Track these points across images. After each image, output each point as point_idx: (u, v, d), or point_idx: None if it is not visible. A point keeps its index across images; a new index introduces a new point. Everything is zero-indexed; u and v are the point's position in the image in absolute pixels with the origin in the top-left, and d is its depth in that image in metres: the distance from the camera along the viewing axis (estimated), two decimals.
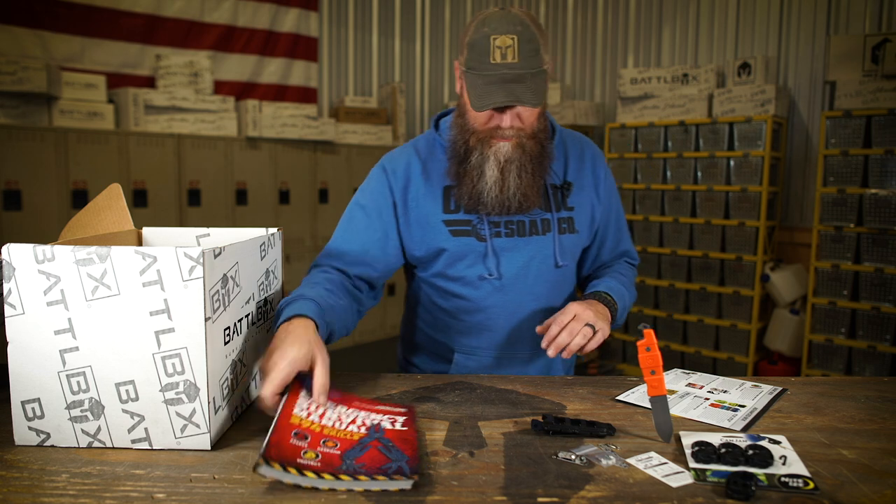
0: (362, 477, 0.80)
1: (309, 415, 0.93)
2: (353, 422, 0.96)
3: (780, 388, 1.20)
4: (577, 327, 1.16)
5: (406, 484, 0.80)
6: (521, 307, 1.35)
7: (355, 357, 4.64)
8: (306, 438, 0.87)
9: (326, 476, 0.79)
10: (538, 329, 1.21)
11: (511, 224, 1.32)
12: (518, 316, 1.36)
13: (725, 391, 1.18)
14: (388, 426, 0.96)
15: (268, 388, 0.93)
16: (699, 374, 1.28)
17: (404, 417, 1.00)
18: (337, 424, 0.94)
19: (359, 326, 4.88)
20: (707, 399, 1.14)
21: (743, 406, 1.10)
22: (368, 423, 0.96)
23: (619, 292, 1.33)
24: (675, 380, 1.26)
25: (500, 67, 1.17)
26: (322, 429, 0.91)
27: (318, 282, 1.22)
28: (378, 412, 1.01)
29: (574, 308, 1.19)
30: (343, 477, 0.79)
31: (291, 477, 0.78)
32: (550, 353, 1.16)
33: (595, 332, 1.18)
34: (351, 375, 1.28)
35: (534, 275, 1.34)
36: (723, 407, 1.10)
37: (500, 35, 1.17)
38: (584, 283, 1.49)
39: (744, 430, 1.00)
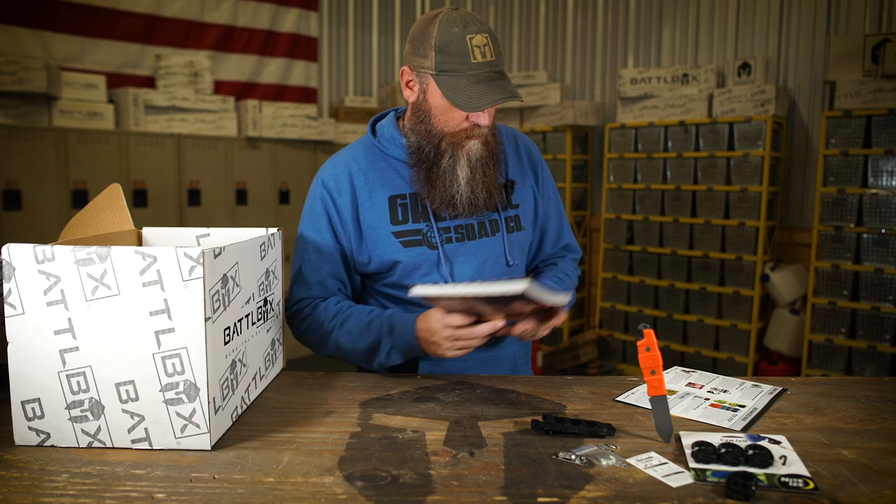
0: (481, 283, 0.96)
1: None
2: None
3: (780, 388, 1.20)
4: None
5: (520, 286, 0.93)
6: None
7: None
8: None
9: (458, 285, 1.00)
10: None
11: (461, 228, 1.31)
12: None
13: (725, 391, 1.18)
14: None
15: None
16: (699, 372, 1.28)
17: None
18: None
19: None
20: (707, 399, 1.14)
21: (743, 406, 1.10)
22: None
23: (554, 282, 1.38)
24: (675, 379, 1.26)
25: (483, 66, 1.17)
26: None
27: (348, 311, 1.29)
28: None
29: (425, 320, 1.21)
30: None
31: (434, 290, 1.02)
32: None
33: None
34: (351, 375, 1.28)
35: (488, 276, 1.33)
36: (723, 407, 1.10)
37: (476, 34, 1.17)
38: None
39: (744, 430, 1.00)
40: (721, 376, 1.27)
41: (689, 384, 1.22)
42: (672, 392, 1.18)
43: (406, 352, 1.22)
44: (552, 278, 1.40)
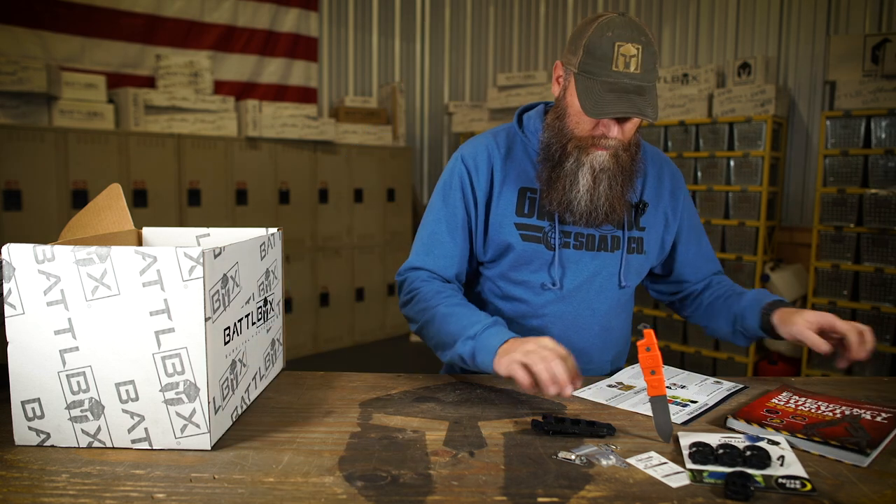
0: (816, 438, 0.90)
1: (787, 402, 1.08)
2: (833, 410, 1.04)
3: (740, 386, 1.22)
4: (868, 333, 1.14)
5: (858, 459, 0.86)
6: (578, 319, 1.33)
7: (355, 357, 4.64)
8: (777, 413, 1.03)
9: (784, 432, 0.94)
10: (814, 343, 1.16)
11: (581, 237, 1.30)
12: (575, 328, 1.33)
13: (684, 387, 1.20)
14: (868, 417, 1.01)
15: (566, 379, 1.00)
16: (667, 368, 1.27)
17: (890, 415, 1.02)
18: (813, 409, 1.04)
19: (359, 326, 4.90)
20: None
21: (695, 402, 1.12)
22: (848, 412, 1.03)
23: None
24: (637, 374, 1.28)
25: (622, 76, 1.13)
26: (796, 410, 1.04)
27: (454, 299, 1.25)
28: (863, 408, 1.05)
29: (528, 340, 1.11)
30: (799, 435, 0.92)
31: (752, 429, 0.97)
32: (857, 357, 1.14)
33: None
34: (351, 375, 1.28)
35: (596, 290, 1.32)
36: (675, 402, 1.12)
37: (626, 43, 1.13)
38: (692, 305, 1.45)
39: (685, 423, 1.03)
40: (687, 372, 1.29)
41: None
42: (630, 387, 1.20)
43: (478, 348, 1.12)
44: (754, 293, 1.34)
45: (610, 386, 1.21)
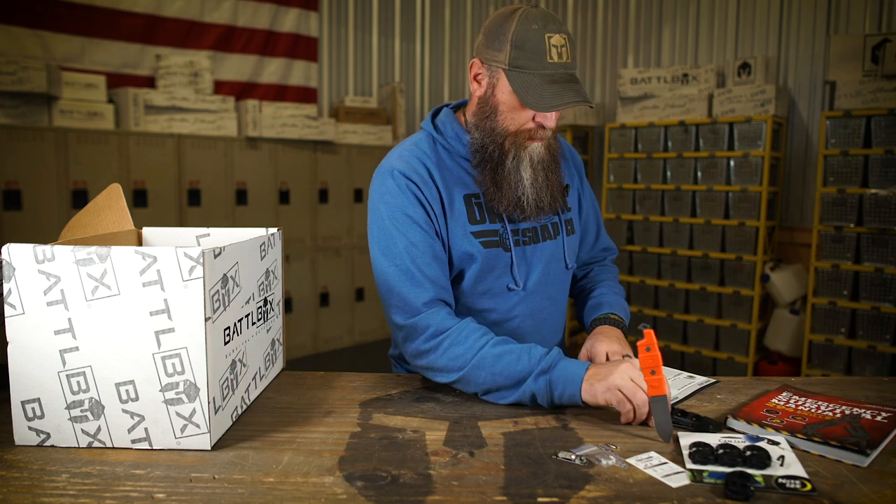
0: (816, 438, 0.91)
1: (787, 402, 1.08)
2: (833, 410, 1.04)
3: (712, 380, 1.24)
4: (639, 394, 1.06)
5: (858, 459, 0.86)
6: (542, 311, 1.34)
7: (355, 357, 4.64)
8: (777, 413, 1.03)
9: (783, 432, 0.94)
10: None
11: (528, 232, 1.29)
12: (542, 321, 1.35)
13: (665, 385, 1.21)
14: (868, 417, 1.01)
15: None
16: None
17: (889, 414, 1.03)
18: (813, 409, 1.05)
19: (359, 326, 4.90)
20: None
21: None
22: (848, 412, 1.03)
23: (622, 309, 1.38)
24: None
25: (558, 67, 1.14)
26: (796, 410, 1.05)
27: (492, 334, 1.16)
28: (864, 407, 1.06)
29: (616, 364, 1.08)
30: (799, 435, 0.92)
31: (752, 429, 0.97)
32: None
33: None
34: (351, 375, 1.28)
35: (551, 279, 1.33)
36: None
37: (554, 34, 1.13)
38: (573, 285, 1.51)
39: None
40: (665, 367, 1.28)
41: None
42: None
43: (556, 381, 1.07)
44: (608, 292, 1.43)
45: None
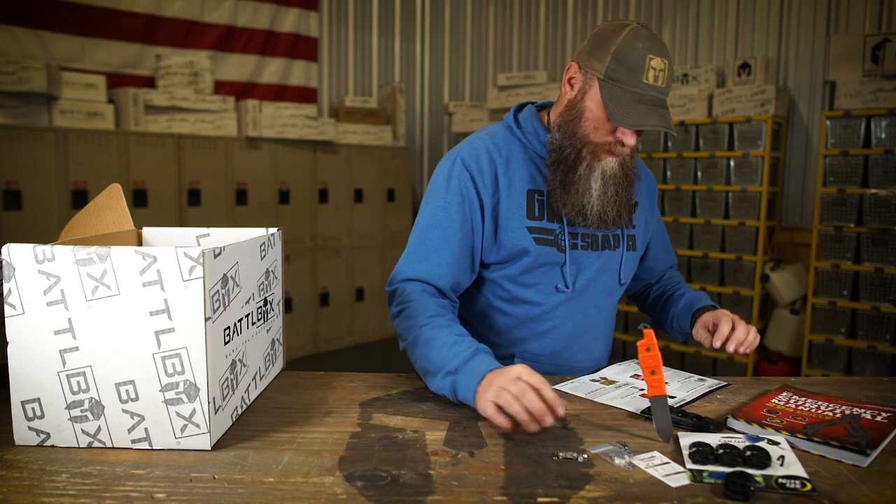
0: (816, 438, 0.91)
1: (787, 402, 1.08)
2: (832, 410, 1.04)
3: (723, 383, 1.23)
4: (752, 330, 1.24)
5: (859, 459, 0.86)
6: (586, 318, 1.35)
7: (355, 357, 4.64)
8: (777, 413, 1.03)
9: (784, 432, 0.94)
10: (704, 338, 1.28)
11: (587, 237, 1.31)
12: (584, 327, 1.35)
13: (667, 383, 1.21)
14: (868, 417, 1.01)
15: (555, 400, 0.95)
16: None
17: (889, 414, 1.03)
18: (813, 409, 1.05)
19: (359, 326, 4.90)
20: (641, 389, 1.18)
21: (673, 397, 1.14)
22: (848, 412, 1.03)
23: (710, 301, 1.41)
24: (623, 370, 1.30)
25: (651, 89, 1.16)
26: (796, 410, 1.05)
27: (441, 319, 1.16)
28: (863, 407, 1.06)
29: (730, 315, 1.26)
30: (799, 435, 0.92)
31: (752, 429, 0.97)
32: (732, 349, 1.23)
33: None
34: (351, 375, 1.28)
35: (601, 288, 1.34)
36: None
37: (657, 57, 1.15)
38: (644, 298, 1.56)
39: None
40: (672, 370, 1.29)
41: (634, 375, 1.27)
42: (612, 382, 1.22)
43: (459, 385, 1.06)
44: (692, 292, 1.45)
45: (593, 380, 1.23)
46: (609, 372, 1.29)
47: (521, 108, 1.37)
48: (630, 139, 1.21)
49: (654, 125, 1.14)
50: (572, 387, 1.19)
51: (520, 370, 0.98)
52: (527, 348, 1.34)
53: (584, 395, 1.14)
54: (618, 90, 1.16)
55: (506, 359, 1.34)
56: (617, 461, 0.88)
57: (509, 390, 0.95)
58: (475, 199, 1.26)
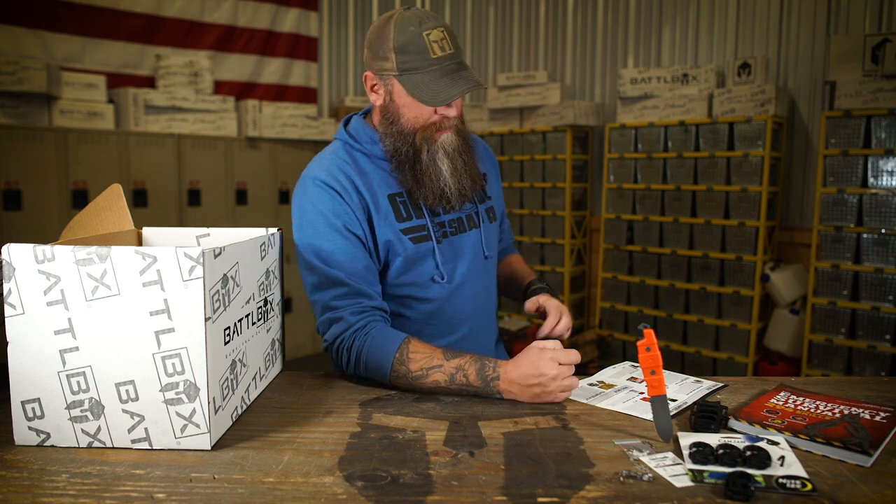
0: (819, 439, 0.91)
1: (786, 402, 1.08)
2: (832, 410, 1.04)
3: (720, 384, 1.23)
4: (567, 320, 1.35)
5: (861, 459, 0.86)
6: (477, 299, 1.39)
7: None
8: (777, 413, 1.03)
9: (786, 433, 0.94)
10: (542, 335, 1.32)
11: (454, 223, 1.35)
12: (475, 308, 1.39)
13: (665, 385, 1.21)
14: (867, 417, 1.01)
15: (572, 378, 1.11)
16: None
17: (888, 414, 1.03)
18: (812, 409, 1.05)
19: None
20: (641, 393, 1.17)
21: (674, 400, 1.13)
22: (847, 412, 1.03)
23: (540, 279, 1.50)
24: (620, 373, 1.29)
25: (444, 60, 1.20)
26: (795, 410, 1.05)
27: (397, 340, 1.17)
28: (861, 407, 1.06)
29: (559, 304, 1.37)
30: (801, 436, 0.92)
31: (753, 429, 0.97)
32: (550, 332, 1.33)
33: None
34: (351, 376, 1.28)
35: (474, 269, 1.38)
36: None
37: (432, 30, 1.20)
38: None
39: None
40: (669, 372, 1.29)
41: (631, 378, 1.26)
42: (611, 385, 1.21)
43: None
44: (528, 271, 1.56)
45: (591, 385, 1.22)
46: (605, 375, 1.28)
47: (347, 121, 1.39)
48: (451, 111, 1.27)
49: (463, 90, 1.19)
50: (571, 392, 1.18)
51: (539, 367, 1.09)
52: (441, 343, 1.31)
53: (584, 401, 1.13)
54: (416, 77, 1.20)
55: None
56: (635, 453, 0.90)
57: (549, 381, 1.09)
58: (350, 213, 1.24)
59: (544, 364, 1.08)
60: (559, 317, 1.34)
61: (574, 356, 1.10)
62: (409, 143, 1.26)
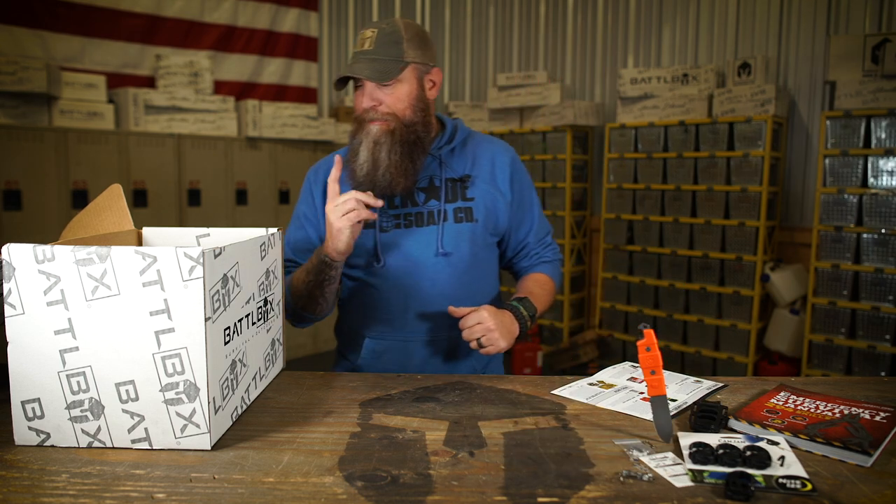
0: (819, 439, 0.91)
1: (786, 402, 1.08)
2: (831, 410, 1.04)
3: (721, 384, 1.22)
4: (477, 331, 1.29)
5: (862, 459, 0.86)
6: (415, 291, 1.43)
7: None
8: (777, 413, 1.03)
9: (786, 433, 0.94)
10: (450, 310, 1.34)
11: (410, 216, 1.44)
12: (415, 299, 1.43)
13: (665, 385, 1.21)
14: (867, 416, 1.01)
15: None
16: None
17: (888, 414, 1.03)
18: (812, 409, 1.05)
19: None
20: (641, 393, 1.17)
21: (674, 400, 1.13)
22: (847, 412, 1.03)
23: (535, 305, 1.44)
24: (619, 373, 1.29)
25: (358, 54, 1.36)
26: (795, 410, 1.05)
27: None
28: (861, 407, 1.06)
29: (485, 313, 1.30)
30: (801, 436, 0.92)
31: (753, 429, 0.96)
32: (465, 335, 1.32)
33: (484, 347, 1.30)
34: (351, 375, 1.28)
35: (423, 260, 1.42)
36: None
37: (367, 30, 1.36)
38: (513, 267, 1.64)
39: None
40: (668, 372, 1.29)
41: (631, 378, 1.26)
42: (611, 386, 1.21)
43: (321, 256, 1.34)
44: (533, 286, 1.52)
45: (591, 384, 1.22)
46: (605, 375, 1.28)
47: None
48: (360, 102, 1.38)
49: (341, 74, 1.34)
50: (571, 392, 1.18)
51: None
52: (374, 328, 1.47)
53: (584, 400, 1.14)
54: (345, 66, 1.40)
55: (362, 340, 1.48)
56: (635, 454, 0.89)
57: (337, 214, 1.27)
58: (311, 198, 1.51)
59: (334, 217, 1.27)
60: (473, 312, 1.32)
61: (346, 195, 1.27)
62: (353, 130, 1.41)
